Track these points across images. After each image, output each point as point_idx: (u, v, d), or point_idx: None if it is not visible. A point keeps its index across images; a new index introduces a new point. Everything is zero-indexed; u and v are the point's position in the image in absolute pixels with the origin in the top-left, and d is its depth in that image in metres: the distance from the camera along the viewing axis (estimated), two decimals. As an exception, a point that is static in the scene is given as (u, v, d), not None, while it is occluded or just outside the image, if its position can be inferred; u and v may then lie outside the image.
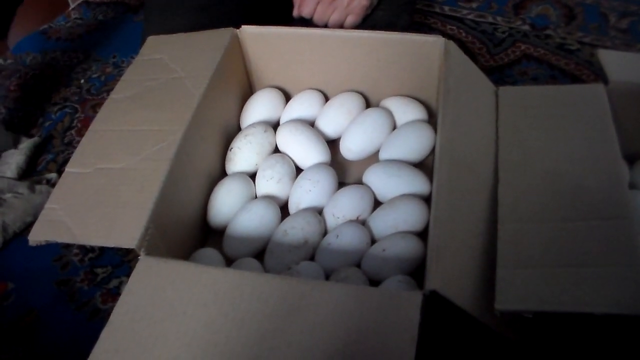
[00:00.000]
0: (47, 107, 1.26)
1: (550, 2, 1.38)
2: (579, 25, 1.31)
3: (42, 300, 0.92)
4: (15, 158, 1.11)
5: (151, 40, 0.99)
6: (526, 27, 1.32)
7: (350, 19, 1.03)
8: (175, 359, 0.60)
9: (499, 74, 1.21)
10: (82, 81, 1.32)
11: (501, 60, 1.24)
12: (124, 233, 0.71)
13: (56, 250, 0.98)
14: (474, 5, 1.40)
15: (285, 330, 0.60)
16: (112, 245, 0.71)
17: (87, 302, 0.91)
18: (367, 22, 1.05)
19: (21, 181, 1.06)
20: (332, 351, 0.58)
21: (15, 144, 1.14)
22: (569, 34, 1.28)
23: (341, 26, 1.03)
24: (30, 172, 1.12)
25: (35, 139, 1.16)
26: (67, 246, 0.97)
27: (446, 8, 1.40)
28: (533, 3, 1.38)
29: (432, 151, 0.87)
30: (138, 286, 0.67)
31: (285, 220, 0.82)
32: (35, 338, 0.88)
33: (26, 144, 1.13)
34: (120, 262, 0.95)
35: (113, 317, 0.64)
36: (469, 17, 1.37)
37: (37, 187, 1.04)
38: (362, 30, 0.92)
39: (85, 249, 0.97)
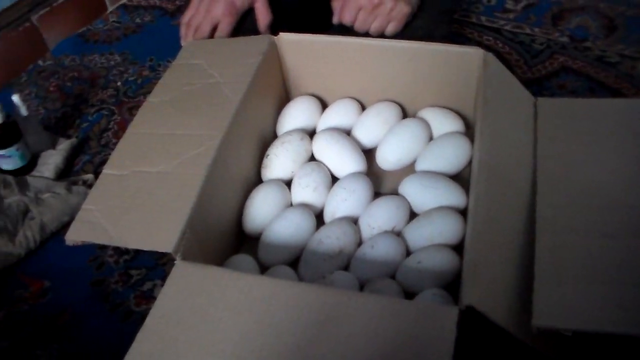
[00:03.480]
0: (84, 109, 1.28)
1: (589, 14, 1.36)
2: (619, 37, 1.29)
3: (77, 299, 0.93)
4: (54, 158, 1.12)
5: (189, 44, 1.00)
6: (565, 39, 1.30)
7: (391, 27, 1.02)
8: (209, 366, 0.60)
9: (537, 87, 1.20)
10: (119, 83, 1.33)
11: (539, 73, 1.23)
12: (161, 237, 0.71)
13: (92, 251, 0.99)
14: (512, 16, 1.39)
15: (320, 341, 0.60)
16: (149, 249, 0.72)
17: (121, 303, 0.91)
18: (406, 30, 1.05)
19: (59, 181, 1.07)
20: (367, 363, 0.58)
21: (53, 145, 1.15)
22: (609, 46, 1.27)
23: (382, 34, 1.03)
24: (67, 173, 1.13)
25: (73, 140, 1.17)
26: (103, 247, 0.98)
27: (483, 18, 1.39)
28: (572, 14, 1.37)
29: (469, 163, 0.87)
30: (174, 291, 0.67)
31: (320, 229, 0.82)
32: (70, 337, 0.89)
33: (64, 145, 1.15)
34: (154, 265, 0.96)
35: (148, 320, 0.65)
36: (506, 27, 1.36)
37: (74, 187, 1.05)
38: (400, 40, 0.92)
39: (120, 251, 0.98)
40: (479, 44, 1.32)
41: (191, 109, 0.86)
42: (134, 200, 0.76)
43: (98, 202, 0.78)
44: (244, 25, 1.06)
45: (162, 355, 0.62)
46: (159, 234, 0.72)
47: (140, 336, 0.64)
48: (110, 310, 0.91)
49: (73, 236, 0.75)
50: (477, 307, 0.61)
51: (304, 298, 0.63)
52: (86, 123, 1.24)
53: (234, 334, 0.62)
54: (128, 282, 0.94)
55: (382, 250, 0.77)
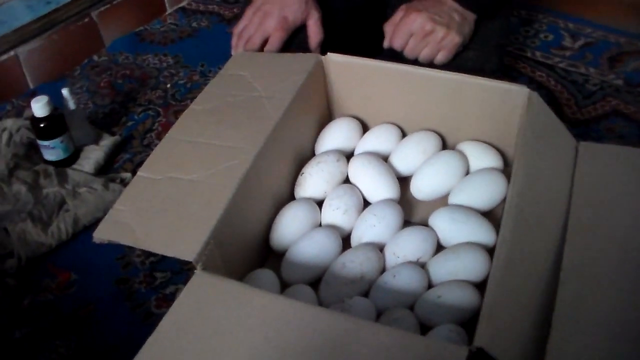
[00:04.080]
0: (132, 107, 1.30)
1: (648, 58, 1.33)
2: (677, 86, 1.26)
3: (101, 295, 0.95)
4: (95, 154, 1.14)
5: (238, 56, 1.01)
6: (619, 82, 1.28)
7: (441, 56, 1.02)
8: (214, 379, 0.60)
9: (585, 128, 1.17)
10: (169, 86, 1.35)
11: (588, 114, 1.21)
12: (185, 245, 0.72)
13: (120, 249, 1.00)
14: (568, 53, 1.37)
15: (326, 367, 0.60)
16: (171, 255, 0.72)
17: (143, 304, 0.92)
18: (456, 60, 1.04)
19: (97, 177, 1.09)
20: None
21: (97, 140, 1.17)
22: (663, 94, 1.24)
23: (432, 62, 1.02)
24: (107, 169, 1.15)
25: (116, 138, 1.19)
26: (131, 247, 0.99)
27: (538, 54, 1.38)
28: (630, 57, 1.34)
29: (503, 201, 0.85)
30: (189, 299, 0.68)
31: (345, 253, 0.81)
32: (90, 331, 0.90)
33: (107, 142, 1.17)
34: (179, 269, 0.96)
35: (161, 325, 0.65)
36: (560, 65, 1.34)
37: (111, 184, 1.07)
38: (447, 72, 0.91)
39: (147, 252, 0.99)
40: (531, 79, 1.30)
41: (231, 120, 0.87)
42: (164, 205, 0.77)
43: (129, 204, 0.79)
44: (295, 40, 1.07)
45: (170, 362, 0.62)
46: (183, 241, 0.73)
47: (151, 340, 0.64)
48: (132, 309, 0.92)
49: (101, 234, 0.76)
50: (489, 349, 0.60)
51: (316, 322, 0.63)
52: (132, 122, 1.26)
53: (242, 351, 0.62)
54: (152, 283, 0.95)
55: (404, 280, 0.76)
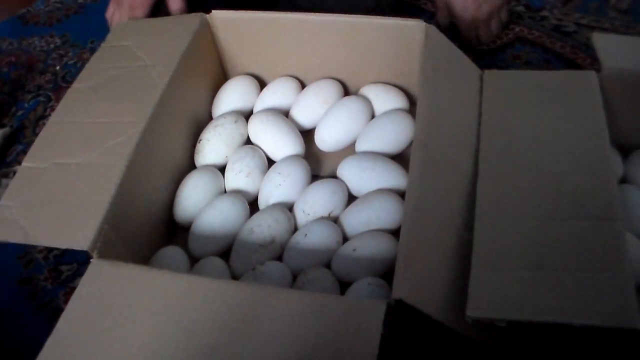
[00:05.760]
0: (20, 96, 1.22)
1: (547, -18, 1.31)
2: (576, 5, 1.25)
3: (4, 298, 0.88)
4: (-16, 150, 1.07)
5: (119, 26, 0.95)
6: (521, 8, 1.26)
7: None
8: (118, 372, 0.56)
9: (491, 58, 1.15)
10: (58, 68, 1.27)
11: (493, 44, 1.18)
12: (77, 234, 0.67)
13: (21, 248, 0.93)
14: (467, -15, 1.34)
15: (237, 341, 0.56)
16: (65, 247, 0.68)
17: (50, 301, 0.86)
18: (355, 3, 1.00)
19: (-12, 174, 1.02)
20: (285, 365, 0.54)
21: (-14, 135, 1.10)
22: (565, 15, 1.22)
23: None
24: (-1, 165, 1.08)
25: (6, 130, 1.11)
26: (30, 243, 0.94)
27: (437, -12, 1.34)
28: (529, -18, 1.32)
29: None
30: (87, 291, 0.63)
31: (252, 218, 0.77)
32: (-6, 338, 0.84)
33: (-4, 135, 1.09)
34: (86, 259, 0.89)
35: (59, 324, 0.61)
36: (461, -3, 1.31)
37: (4, 180, 1.00)
38: (339, 15, 0.87)
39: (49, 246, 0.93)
40: (432, 14, 1.27)
41: (116, 94, 0.81)
42: (53, 194, 0.72)
43: (15, 198, 0.73)
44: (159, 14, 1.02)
45: (71, 363, 0.58)
46: (75, 230, 0.68)
47: (50, 342, 0.60)
48: (38, 309, 0.86)
49: (-12, 234, 0.71)
50: (408, 300, 0.57)
51: (222, 296, 0.59)
52: (22, 110, 1.18)
53: (147, 337, 0.58)
54: (58, 278, 0.89)
55: (316, 238, 0.73)
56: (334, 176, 0.82)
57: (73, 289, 0.85)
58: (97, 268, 0.65)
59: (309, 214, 0.76)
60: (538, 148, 0.73)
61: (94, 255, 0.66)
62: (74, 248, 0.66)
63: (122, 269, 0.64)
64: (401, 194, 0.76)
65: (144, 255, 0.76)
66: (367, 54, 0.88)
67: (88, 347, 0.59)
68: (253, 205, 0.81)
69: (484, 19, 1.07)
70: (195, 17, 0.89)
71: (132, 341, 0.58)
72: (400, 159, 0.83)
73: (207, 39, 0.91)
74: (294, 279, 0.72)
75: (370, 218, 0.74)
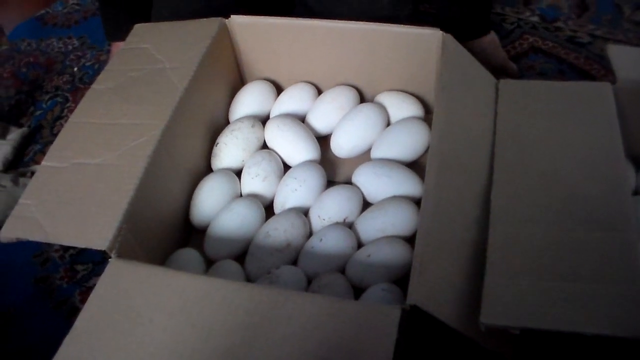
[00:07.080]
0: (38, 96, 1.23)
1: (562, -7, 1.32)
2: (590, 16, 1.25)
3: (20, 296, 0.89)
4: (2, 149, 1.08)
5: (138, 28, 0.96)
6: (535, 19, 1.27)
7: None
8: (136, 371, 0.57)
9: (505, 68, 1.16)
10: (76, 69, 1.28)
11: (507, 54, 1.19)
12: (96, 233, 0.68)
13: (37, 246, 0.95)
14: (482, -5, 1.35)
15: (253, 343, 0.56)
16: (83, 246, 0.68)
17: (65, 300, 0.88)
18: (370, 12, 1.01)
19: (6, 173, 1.03)
20: (301, 368, 0.55)
21: (4, 134, 1.11)
22: (580, 27, 1.23)
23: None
24: (17, 163, 1.09)
25: (24, 130, 1.13)
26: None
27: (453, -3, 1.35)
28: (544, -7, 1.33)
29: (427, 150, 0.83)
30: (105, 291, 0.64)
31: (268, 221, 0.78)
32: (10, 335, 0.85)
33: (14, 135, 1.10)
34: (101, 259, 0.92)
35: (77, 322, 0.62)
36: (477, 7, 1.32)
37: (22, 179, 1.01)
38: (357, 22, 0.88)
39: (65, 245, 0.93)
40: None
41: (136, 96, 0.82)
42: (72, 194, 0.72)
43: (35, 197, 0.74)
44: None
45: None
46: (94, 230, 0.68)
47: (68, 339, 0.60)
48: (54, 307, 0.87)
49: (8, 233, 0.71)
50: (423, 306, 0.57)
51: (239, 298, 0.60)
52: (40, 111, 1.20)
53: (165, 337, 0.58)
54: (74, 277, 0.90)
55: (332, 243, 0.74)
56: (349, 182, 0.83)
57: (89, 288, 0.88)
58: (116, 268, 0.66)
59: (324, 220, 0.77)
60: (552, 158, 0.74)
61: (112, 255, 0.66)
62: (93, 247, 0.67)
63: (140, 269, 0.65)
64: (416, 202, 0.77)
65: (160, 257, 0.76)
66: (384, 62, 0.89)
67: (105, 345, 0.59)
68: (269, 209, 0.82)
69: None
70: (215, 22, 0.90)
71: (149, 341, 0.58)
72: (415, 166, 0.83)
73: (226, 43, 0.92)
74: (309, 283, 0.72)
75: (385, 224, 0.74)
